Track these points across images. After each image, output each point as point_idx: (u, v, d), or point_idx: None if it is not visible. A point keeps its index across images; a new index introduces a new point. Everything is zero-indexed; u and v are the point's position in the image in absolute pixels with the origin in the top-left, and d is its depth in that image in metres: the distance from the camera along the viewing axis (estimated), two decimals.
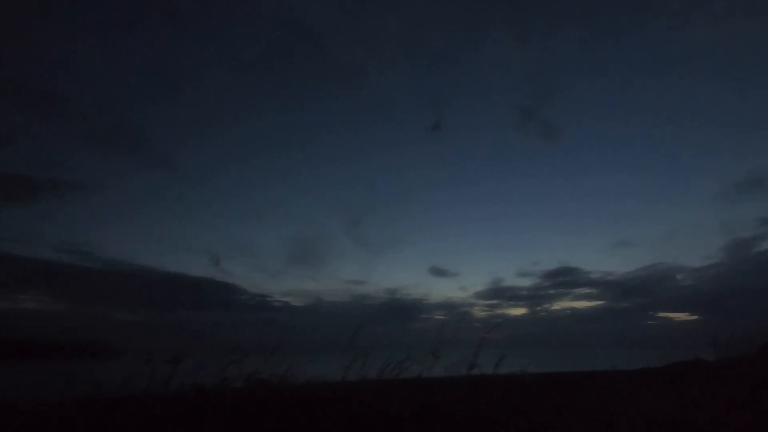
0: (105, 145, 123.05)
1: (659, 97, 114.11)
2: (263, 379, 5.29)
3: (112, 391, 5.67)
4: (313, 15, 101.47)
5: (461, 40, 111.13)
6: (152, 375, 5.35)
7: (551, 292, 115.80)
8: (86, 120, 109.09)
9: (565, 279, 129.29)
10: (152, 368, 5.41)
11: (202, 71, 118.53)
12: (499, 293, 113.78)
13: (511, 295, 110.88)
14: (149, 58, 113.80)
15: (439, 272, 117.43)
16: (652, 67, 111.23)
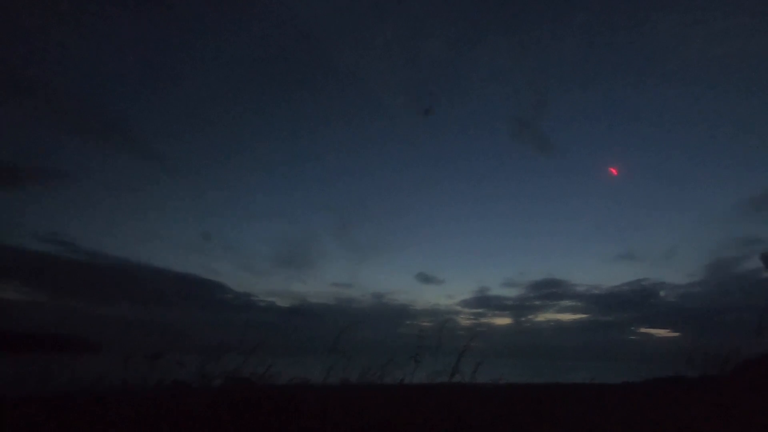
0: (91, 135, 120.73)
1: (652, 109, 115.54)
2: (243, 377, 5.25)
3: (89, 387, 5.58)
4: (308, 15, 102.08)
5: (458, 46, 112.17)
6: (131, 371, 5.28)
7: (536, 303, 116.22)
8: (72, 109, 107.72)
9: (550, 291, 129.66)
10: (131, 364, 5.33)
11: (191, 65, 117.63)
12: (484, 302, 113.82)
13: (497, 305, 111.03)
14: (139, 49, 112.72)
15: (426, 278, 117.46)
16: (647, 78, 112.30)
